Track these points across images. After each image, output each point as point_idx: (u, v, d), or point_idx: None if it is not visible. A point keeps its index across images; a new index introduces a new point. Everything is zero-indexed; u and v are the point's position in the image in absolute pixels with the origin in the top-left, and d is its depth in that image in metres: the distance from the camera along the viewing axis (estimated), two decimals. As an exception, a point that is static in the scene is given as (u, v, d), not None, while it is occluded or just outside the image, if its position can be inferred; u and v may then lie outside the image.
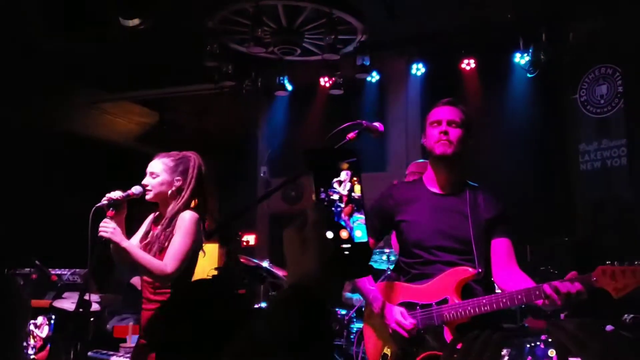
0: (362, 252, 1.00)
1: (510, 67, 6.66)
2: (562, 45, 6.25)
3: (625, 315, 4.43)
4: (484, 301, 2.43)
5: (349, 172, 1.04)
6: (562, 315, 5.63)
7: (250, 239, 9.79)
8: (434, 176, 2.75)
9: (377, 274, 4.63)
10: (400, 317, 2.56)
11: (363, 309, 5.18)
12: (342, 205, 1.02)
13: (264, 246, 8.07)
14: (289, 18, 5.66)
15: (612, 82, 6.13)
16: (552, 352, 3.40)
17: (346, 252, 0.98)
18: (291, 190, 7.67)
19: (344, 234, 0.99)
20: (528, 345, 3.49)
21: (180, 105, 8.64)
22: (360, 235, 1.01)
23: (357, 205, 1.02)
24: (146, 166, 3.04)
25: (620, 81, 6.04)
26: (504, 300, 2.38)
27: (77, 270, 4.89)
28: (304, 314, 0.84)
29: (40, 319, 3.47)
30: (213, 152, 6.12)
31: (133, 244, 2.87)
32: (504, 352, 3.47)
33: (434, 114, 2.72)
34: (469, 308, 2.46)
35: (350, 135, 2.66)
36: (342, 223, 1.00)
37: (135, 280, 5.45)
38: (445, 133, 2.63)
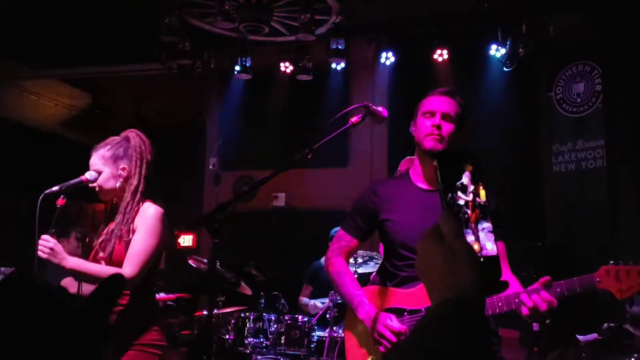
0: (493, 265, 0.98)
1: (485, 59, 6.57)
2: (540, 39, 6.18)
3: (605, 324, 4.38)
4: None
5: (471, 175, 1.03)
6: (534, 325, 5.54)
7: (187, 239, 9.27)
8: (422, 170, 2.66)
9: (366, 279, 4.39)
10: (389, 322, 2.42)
11: (327, 317, 5.03)
12: (469, 211, 1.00)
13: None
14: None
15: (590, 80, 6.12)
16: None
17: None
18: (243, 185, 7.28)
19: (476, 246, 0.98)
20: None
21: (117, 87, 8.20)
22: (490, 247, 0.99)
23: (483, 212, 1.01)
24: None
25: (599, 79, 6.03)
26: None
27: (2, 269, 4.43)
28: (468, 328, 0.84)
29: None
30: (154, 141, 5.68)
31: (77, 259, 2.66)
32: None
33: (429, 103, 2.60)
34: None
35: (354, 119, 2.56)
36: (470, 232, 0.99)
37: (67, 282, 4.99)
38: (438, 127, 2.52)
